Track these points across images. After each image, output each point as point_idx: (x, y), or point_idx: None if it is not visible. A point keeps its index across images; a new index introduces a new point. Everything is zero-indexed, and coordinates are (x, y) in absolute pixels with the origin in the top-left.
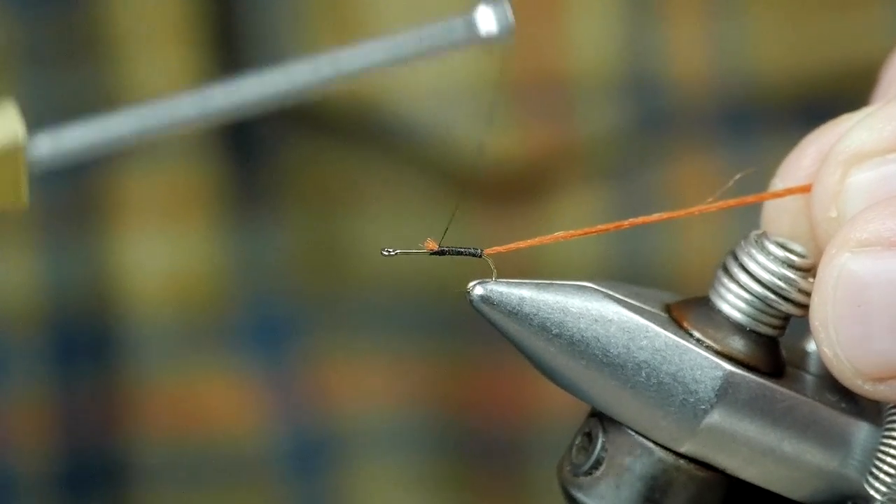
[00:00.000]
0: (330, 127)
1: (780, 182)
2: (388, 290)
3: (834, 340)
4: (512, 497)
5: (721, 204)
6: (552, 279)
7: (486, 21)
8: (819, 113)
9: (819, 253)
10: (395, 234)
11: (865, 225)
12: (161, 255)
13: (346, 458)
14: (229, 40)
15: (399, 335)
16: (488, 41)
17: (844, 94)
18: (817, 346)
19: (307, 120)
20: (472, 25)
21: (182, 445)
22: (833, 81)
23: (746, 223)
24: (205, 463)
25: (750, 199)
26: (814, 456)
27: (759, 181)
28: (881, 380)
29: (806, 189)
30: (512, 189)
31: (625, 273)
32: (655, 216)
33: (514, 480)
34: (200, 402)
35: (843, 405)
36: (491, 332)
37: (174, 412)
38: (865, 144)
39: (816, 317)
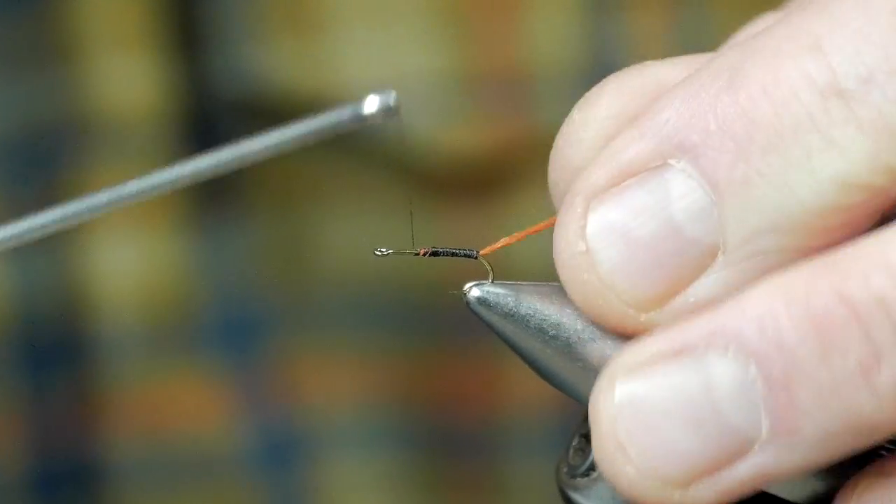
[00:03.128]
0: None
1: (578, 114)
2: (354, 287)
3: (633, 456)
4: (482, 491)
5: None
6: (546, 280)
7: (372, 104)
8: None
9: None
10: (360, 231)
11: (629, 354)
12: (130, 257)
13: (317, 455)
14: (191, 42)
15: (367, 332)
16: (374, 120)
17: None
18: (614, 476)
19: (269, 117)
20: (359, 109)
21: (154, 446)
22: None
23: None
24: (177, 463)
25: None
26: None
27: None
28: (687, 485)
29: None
30: (474, 184)
31: None
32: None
33: (485, 475)
34: (172, 403)
35: None
36: (459, 326)
37: (146, 414)
38: (599, 178)
39: (608, 442)
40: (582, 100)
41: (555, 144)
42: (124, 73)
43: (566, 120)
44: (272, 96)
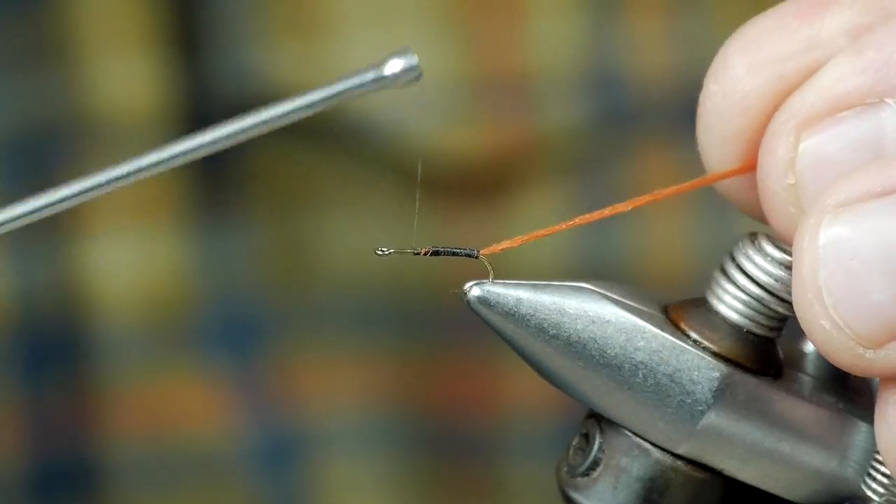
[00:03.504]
0: (293, 126)
1: (714, 85)
2: (355, 289)
3: (830, 307)
4: (483, 493)
5: (683, 186)
6: (547, 280)
7: (394, 65)
8: None
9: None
10: (361, 234)
11: (839, 189)
12: (129, 258)
13: (316, 456)
14: (190, 43)
15: (367, 333)
16: (396, 81)
17: None
18: (809, 328)
19: None
20: (381, 71)
21: (153, 447)
22: None
23: (712, 218)
24: (176, 464)
25: (698, 182)
26: (811, 457)
27: None
28: (882, 343)
29: (751, 167)
30: (477, 186)
31: (593, 271)
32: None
33: (485, 477)
34: (171, 403)
35: (841, 406)
36: (460, 328)
37: (145, 414)
38: (814, 108)
39: (807, 289)
40: (711, 71)
41: (710, 96)
42: (124, 74)
43: (722, 74)
44: (273, 97)
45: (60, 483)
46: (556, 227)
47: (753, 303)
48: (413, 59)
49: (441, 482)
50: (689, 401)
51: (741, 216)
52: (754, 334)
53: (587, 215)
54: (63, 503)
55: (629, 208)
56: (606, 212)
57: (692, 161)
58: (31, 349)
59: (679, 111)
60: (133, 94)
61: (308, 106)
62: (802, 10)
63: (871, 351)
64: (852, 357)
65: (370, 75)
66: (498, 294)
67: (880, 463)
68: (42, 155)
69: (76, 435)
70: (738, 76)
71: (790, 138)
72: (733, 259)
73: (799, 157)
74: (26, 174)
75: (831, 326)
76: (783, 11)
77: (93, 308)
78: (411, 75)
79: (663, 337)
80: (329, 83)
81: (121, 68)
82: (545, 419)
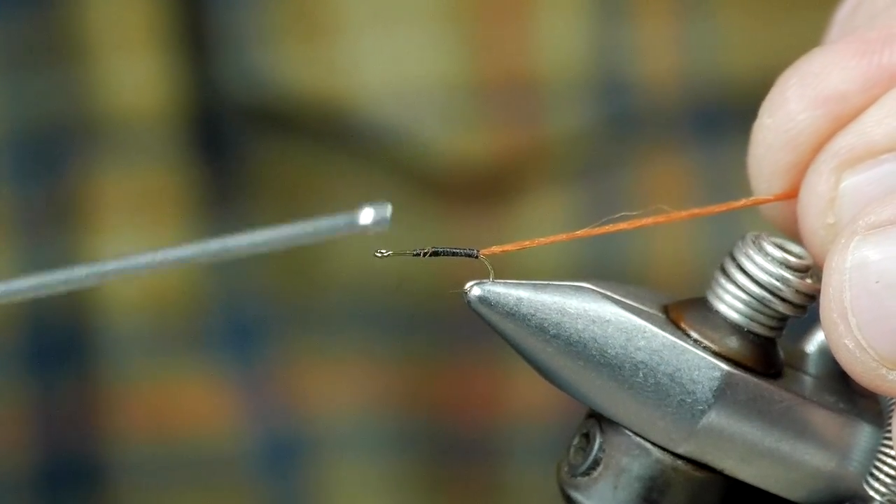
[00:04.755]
0: (299, 128)
1: (768, 118)
2: (360, 291)
3: (854, 327)
4: (485, 497)
5: (722, 206)
6: (548, 280)
7: (367, 216)
8: None
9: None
10: (366, 236)
11: (870, 213)
12: None
13: (319, 458)
14: (199, 44)
15: (371, 335)
16: (366, 230)
17: None
18: (834, 346)
19: (277, 121)
20: (354, 219)
21: (157, 446)
22: None
23: (719, 223)
24: (180, 464)
25: (737, 204)
26: (812, 457)
27: (737, 183)
28: None
29: (792, 195)
30: (481, 190)
31: (598, 273)
32: (651, 219)
33: (487, 481)
34: (175, 403)
35: (842, 406)
36: (464, 331)
37: (149, 413)
38: (855, 149)
39: (833, 309)
40: (766, 103)
41: (762, 128)
42: (133, 75)
43: (777, 108)
44: (281, 100)
45: (66, 481)
46: (557, 237)
47: (754, 302)
48: (385, 210)
49: (444, 484)
50: (690, 400)
51: (748, 221)
52: (755, 334)
53: (589, 228)
54: (68, 501)
55: (632, 227)
56: (608, 228)
57: (697, 167)
58: (37, 347)
59: (686, 116)
60: (142, 94)
61: (277, 240)
62: (862, 47)
63: (894, 373)
64: (875, 378)
65: (342, 221)
66: (498, 294)
67: (883, 463)
68: (51, 153)
69: (83, 433)
70: (792, 112)
71: (831, 178)
72: (734, 258)
73: (839, 197)
74: (35, 173)
75: (855, 346)
76: (843, 48)
77: (99, 307)
78: (382, 226)
79: (664, 336)
80: (301, 221)
81: (130, 68)
82: (549, 422)
